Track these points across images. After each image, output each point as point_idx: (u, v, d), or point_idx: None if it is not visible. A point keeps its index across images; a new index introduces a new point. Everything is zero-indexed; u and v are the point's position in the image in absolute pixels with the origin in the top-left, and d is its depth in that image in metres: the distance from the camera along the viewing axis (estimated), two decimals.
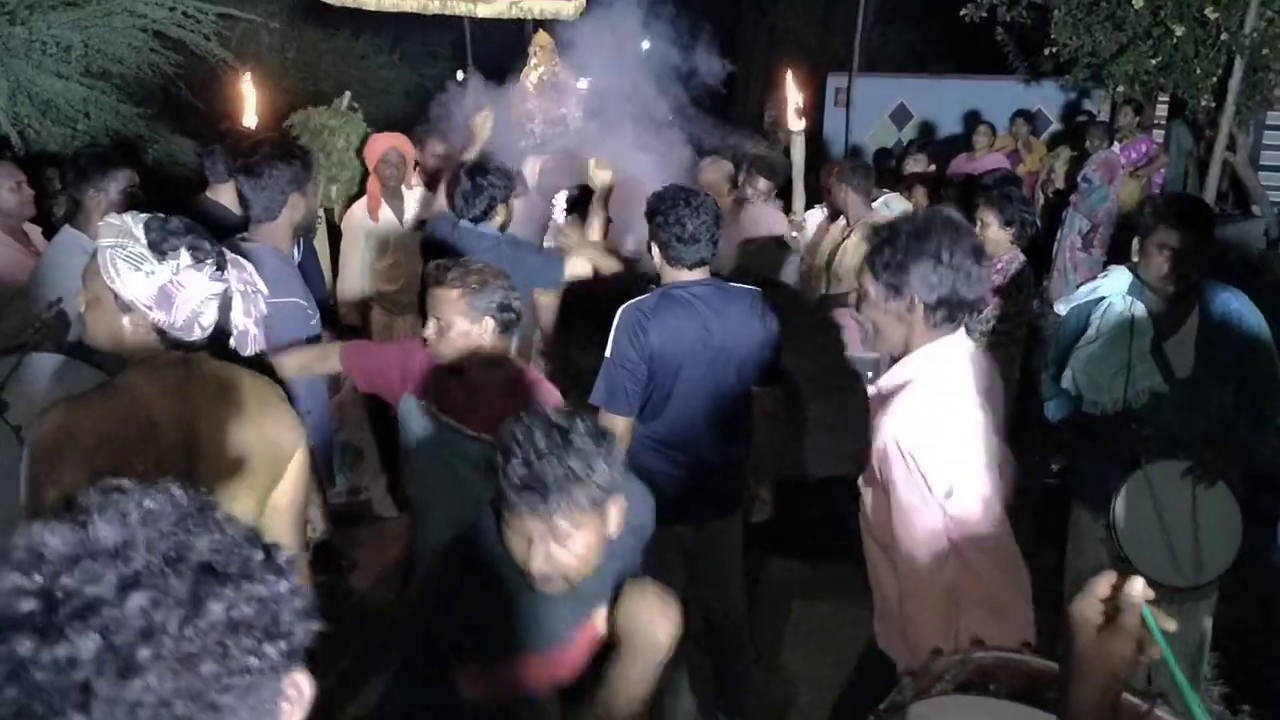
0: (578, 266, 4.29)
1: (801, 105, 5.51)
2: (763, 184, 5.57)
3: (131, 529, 0.85)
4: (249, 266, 2.32)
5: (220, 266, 2.13)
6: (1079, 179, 8.36)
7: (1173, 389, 3.17)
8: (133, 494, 0.88)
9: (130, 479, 1.95)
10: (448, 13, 6.73)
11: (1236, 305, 3.19)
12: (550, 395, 2.89)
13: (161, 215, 2.10)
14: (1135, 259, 3.26)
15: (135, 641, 0.80)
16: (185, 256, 2.04)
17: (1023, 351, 4.40)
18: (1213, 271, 3.31)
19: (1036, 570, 3.56)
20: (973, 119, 9.92)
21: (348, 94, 7.01)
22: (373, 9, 6.77)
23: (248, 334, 2.30)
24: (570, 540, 1.82)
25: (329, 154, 6.45)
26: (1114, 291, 3.34)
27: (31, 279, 3.55)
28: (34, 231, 4.33)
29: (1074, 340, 3.40)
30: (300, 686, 0.92)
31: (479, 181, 4.23)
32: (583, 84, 7.18)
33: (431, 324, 2.80)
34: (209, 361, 2.22)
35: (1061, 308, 3.57)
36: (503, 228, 4.35)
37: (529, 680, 2.00)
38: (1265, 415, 3.17)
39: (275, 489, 2.29)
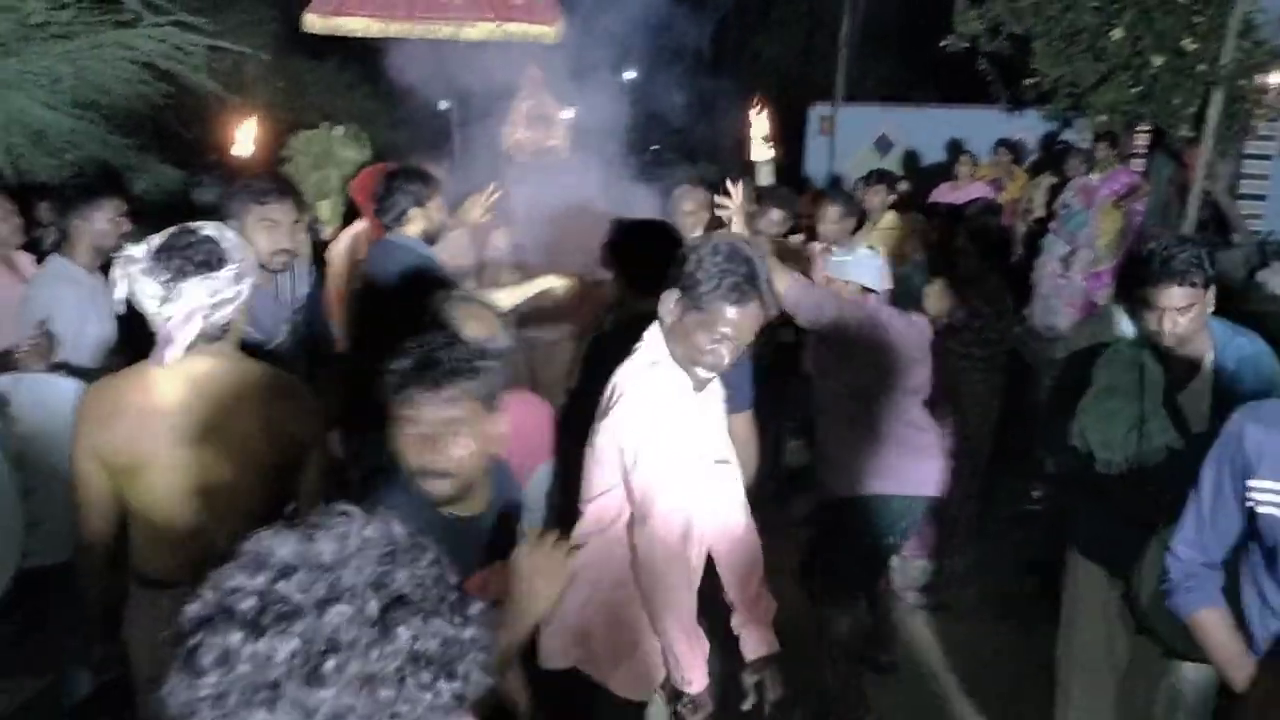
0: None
1: (769, 133, 5.57)
2: (776, 215, 5.41)
3: (348, 551, 0.90)
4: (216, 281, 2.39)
5: (210, 272, 2.34)
6: (1058, 205, 8.47)
7: (1188, 444, 2.91)
8: (356, 519, 0.94)
9: (131, 445, 2.12)
10: (431, 37, 6.79)
11: (1252, 350, 2.96)
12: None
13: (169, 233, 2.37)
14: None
15: (325, 652, 0.85)
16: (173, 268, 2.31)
17: (1004, 379, 4.44)
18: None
19: (1018, 596, 3.61)
20: (955, 148, 10.02)
21: (353, 127, 7.06)
22: (360, 35, 6.83)
23: (170, 343, 2.36)
24: (455, 427, 1.98)
25: (328, 178, 6.48)
26: (1117, 338, 3.14)
27: (20, 304, 3.59)
28: (24, 260, 4.36)
29: (1077, 390, 3.15)
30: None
31: (390, 184, 3.96)
32: (568, 114, 7.27)
33: None
34: (229, 356, 2.46)
35: (1060, 350, 3.42)
36: (429, 238, 4.00)
37: None
38: None
39: (296, 476, 2.51)
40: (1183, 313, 2.80)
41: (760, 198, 5.52)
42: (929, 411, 3.87)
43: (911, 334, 3.75)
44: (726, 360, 2.49)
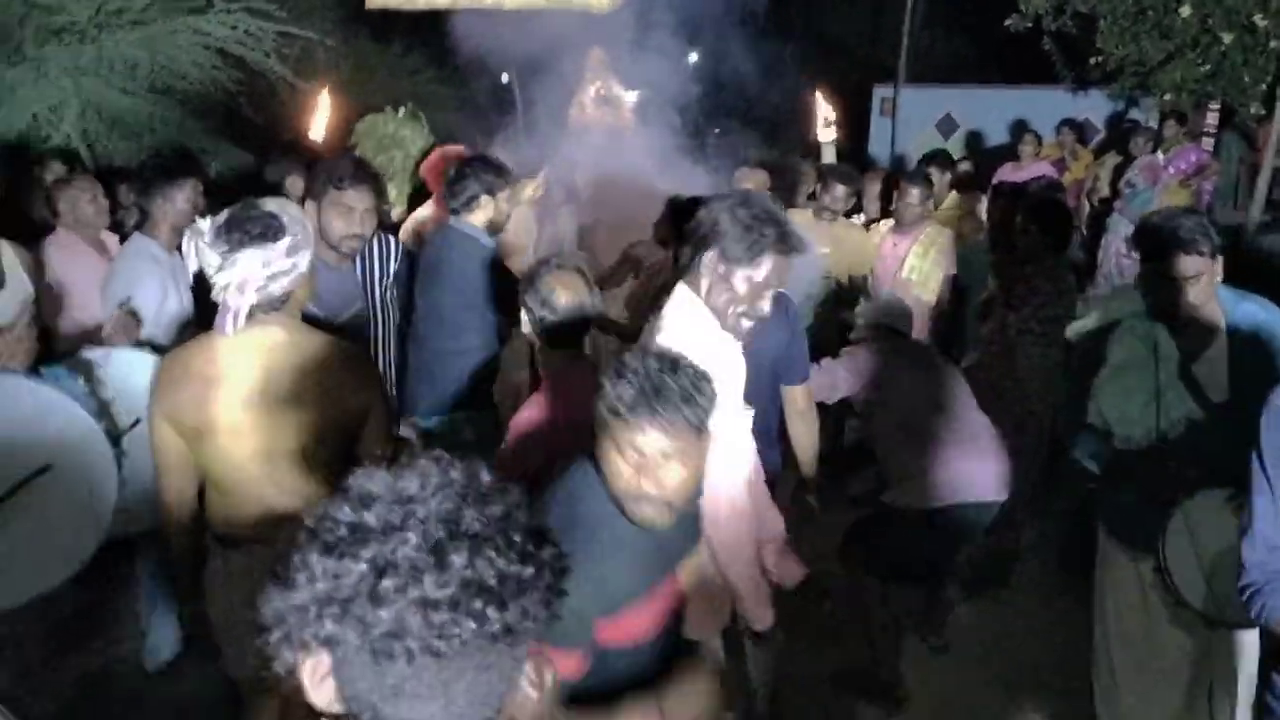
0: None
1: (831, 116, 5.61)
2: (840, 190, 5.41)
3: (428, 488, 1.00)
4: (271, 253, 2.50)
5: (266, 244, 2.44)
6: (1122, 184, 8.36)
7: (1208, 414, 2.90)
8: (443, 462, 1.04)
9: (198, 411, 2.34)
10: (493, 8, 6.89)
11: (1264, 316, 2.93)
12: None
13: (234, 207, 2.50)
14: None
15: (384, 574, 0.95)
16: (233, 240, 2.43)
17: (1064, 355, 4.43)
18: (1262, 279, 3.02)
19: (1077, 573, 3.60)
20: (1019, 128, 9.92)
21: (410, 105, 7.18)
22: (422, 9, 6.94)
23: (229, 311, 2.48)
24: (678, 458, 1.91)
25: (393, 160, 6.62)
26: (1128, 313, 3.12)
27: (105, 282, 3.76)
28: (111, 240, 4.56)
29: (1092, 370, 3.16)
30: (543, 675, 1.10)
31: (462, 170, 3.97)
32: (632, 97, 7.35)
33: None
34: (289, 327, 2.56)
35: (1070, 333, 3.41)
36: (493, 229, 4.01)
37: (628, 631, 2.07)
38: None
39: (357, 444, 2.60)
40: (1192, 282, 2.80)
41: (823, 175, 5.58)
42: (985, 408, 3.91)
43: (924, 357, 3.90)
44: (767, 309, 2.61)
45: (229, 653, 2.70)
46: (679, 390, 1.88)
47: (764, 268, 2.60)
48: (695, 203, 3.62)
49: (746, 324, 2.65)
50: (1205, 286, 2.84)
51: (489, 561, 0.98)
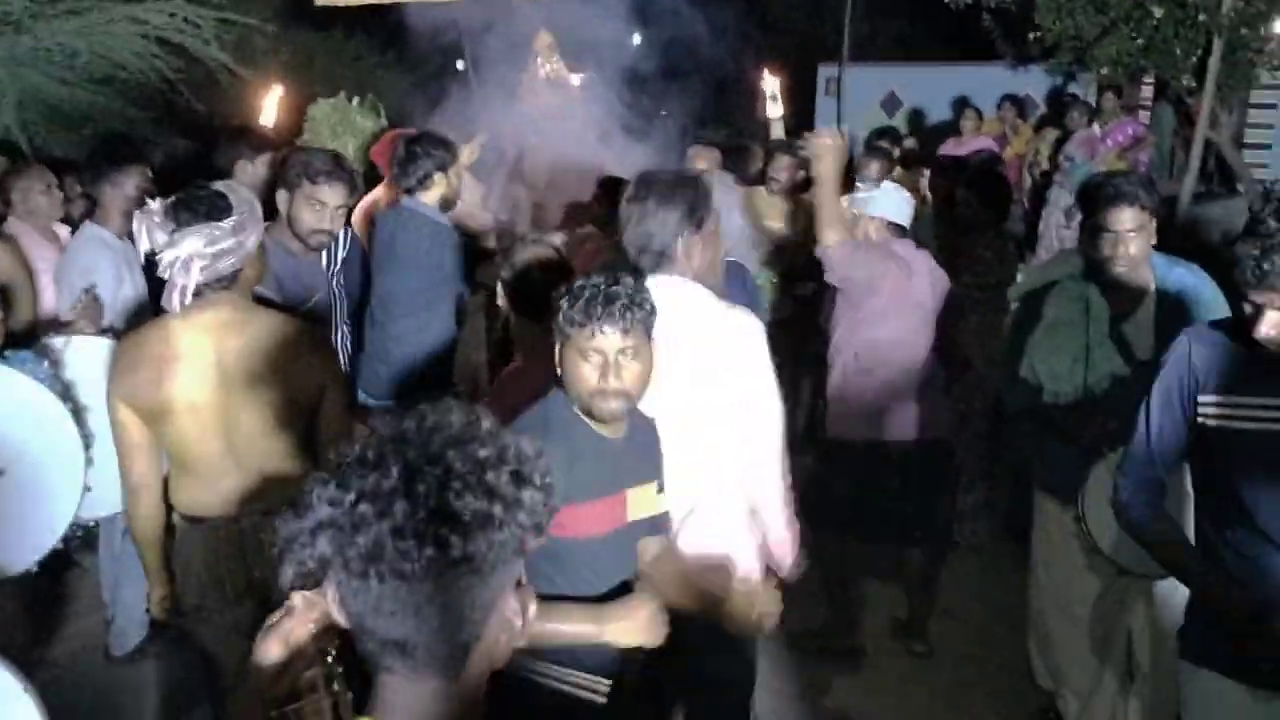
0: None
1: (777, 92, 5.69)
2: (785, 162, 5.48)
3: (421, 429, 1.10)
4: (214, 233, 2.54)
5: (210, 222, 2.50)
6: (1061, 157, 8.55)
7: (1133, 372, 3.03)
8: (439, 408, 1.13)
9: (155, 390, 2.38)
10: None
11: (1192, 280, 3.09)
12: None
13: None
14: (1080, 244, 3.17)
15: (360, 502, 1.05)
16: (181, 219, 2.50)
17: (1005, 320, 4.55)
18: (1196, 249, 3.22)
19: (1025, 534, 3.71)
20: (961, 105, 10.08)
21: (371, 97, 7.13)
22: (355, 5, 6.89)
23: (175, 288, 2.52)
24: (630, 355, 2.19)
25: (346, 147, 6.58)
26: (1065, 275, 3.25)
27: (58, 270, 3.75)
28: (64, 231, 4.51)
29: (1027, 329, 3.29)
30: (527, 607, 1.16)
31: (412, 149, 3.94)
32: (578, 79, 7.38)
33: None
34: (239, 305, 2.62)
35: (1011, 293, 3.51)
36: (446, 205, 4.01)
37: (575, 525, 2.25)
38: None
39: (315, 417, 2.67)
40: (1134, 235, 2.96)
41: (769, 151, 5.67)
42: (938, 356, 3.97)
43: (935, 279, 3.87)
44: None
45: (201, 630, 2.73)
46: (625, 296, 2.16)
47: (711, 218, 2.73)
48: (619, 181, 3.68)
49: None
50: (1142, 242, 2.99)
51: (457, 494, 1.05)
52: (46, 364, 2.90)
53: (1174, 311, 3.03)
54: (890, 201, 3.91)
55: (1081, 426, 3.09)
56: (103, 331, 3.42)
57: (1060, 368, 3.14)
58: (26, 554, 2.77)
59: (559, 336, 2.25)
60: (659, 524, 2.48)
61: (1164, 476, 2.41)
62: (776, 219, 5.32)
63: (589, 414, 2.26)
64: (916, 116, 11.92)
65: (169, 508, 2.70)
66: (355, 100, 6.89)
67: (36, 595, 4.17)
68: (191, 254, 2.47)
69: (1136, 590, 3.12)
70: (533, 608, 1.16)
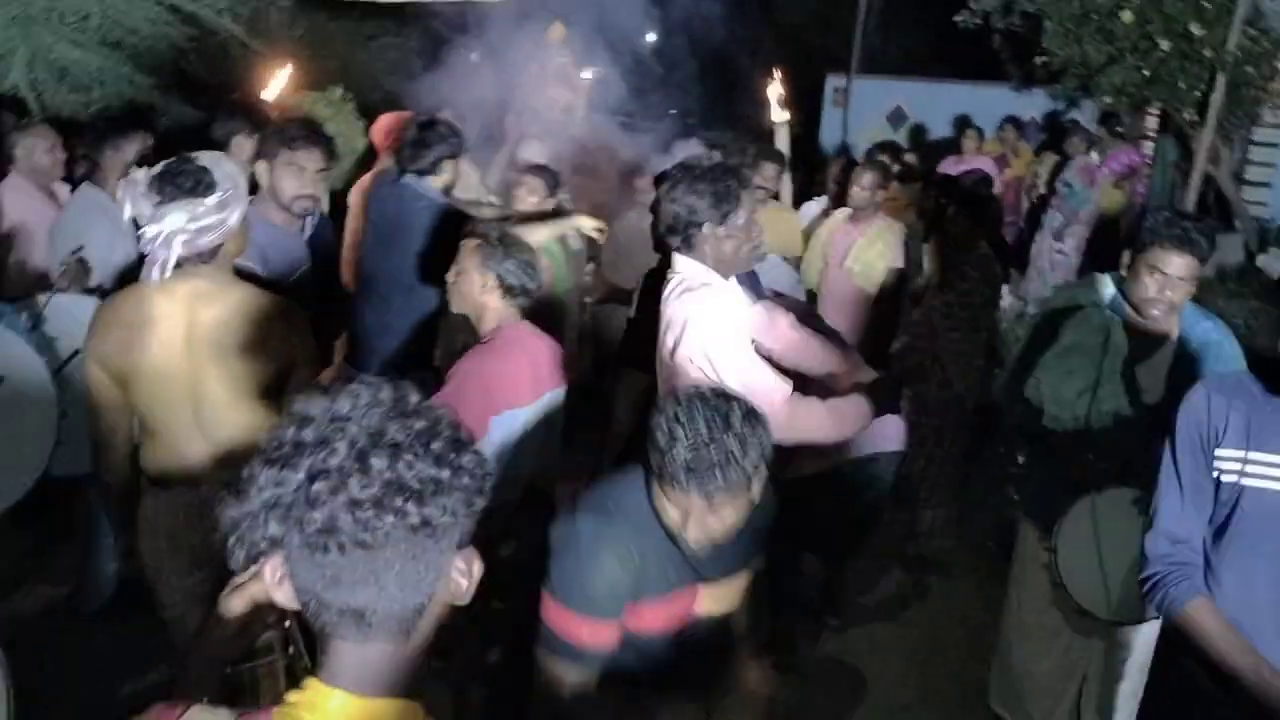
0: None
1: (784, 96, 5.71)
2: (770, 170, 5.46)
3: (357, 407, 1.15)
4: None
5: (195, 198, 2.54)
6: (1058, 183, 8.60)
7: (1137, 414, 2.98)
8: (373, 386, 1.19)
9: (127, 355, 2.43)
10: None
11: (1217, 337, 3.00)
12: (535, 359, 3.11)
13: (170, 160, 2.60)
14: (1124, 273, 3.02)
15: (316, 480, 1.11)
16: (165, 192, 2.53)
17: (986, 340, 4.60)
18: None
19: (993, 552, 3.74)
20: (964, 124, 10.12)
21: (340, 88, 7.20)
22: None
23: (155, 261, 2.57)
24: (723, 512, 2.10)
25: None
26: (1093, 302, 3.14)
27: (53, 230, 3.80)
28: (64, 190, 4.57)
29: (1041, 346, 3.20)
30: (472, 566, 1.22)
31: (426, 134, 3.98)
32: (589, 74, 7.42)
33: (451, 270, 3.08)
34: (217, 278, 2.67)
35: (1033, 307, 3.47)
36: (447, 190, 4.09)
37: (644, 622, 2.25)
38: None
39: (283, 392, 2.68)
40: (1183, 283, 2.86)
41: (755, 155, 5.64)
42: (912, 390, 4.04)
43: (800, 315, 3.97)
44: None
45: (158, 592, 2.79)
46: (728, 455, 2.03)
47: (744, 207, 2.83)
48: None
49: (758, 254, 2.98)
50: (1184, 291, 2.89)
51: (408, 465, 1.12)
52: (24, 316, 2.94)
53: (1192, 362, 2.96)
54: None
55: (1074, 458, 3.06)
56: (91, 292, 3.47)
57: (1066, 393, 3.08)
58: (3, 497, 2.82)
59: (650, 461, 2.13)
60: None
61: (1199, 541, 2.27)
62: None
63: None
64: (920, 132, 11.97)
65: (136, 466, 2.75)
66: (330, 91, 6.96)
67: (12, 552, 4.24)
68: (174, 229, 2.52)
69: (1103, 631, 3.13)
70: (477, 566, 1.22)
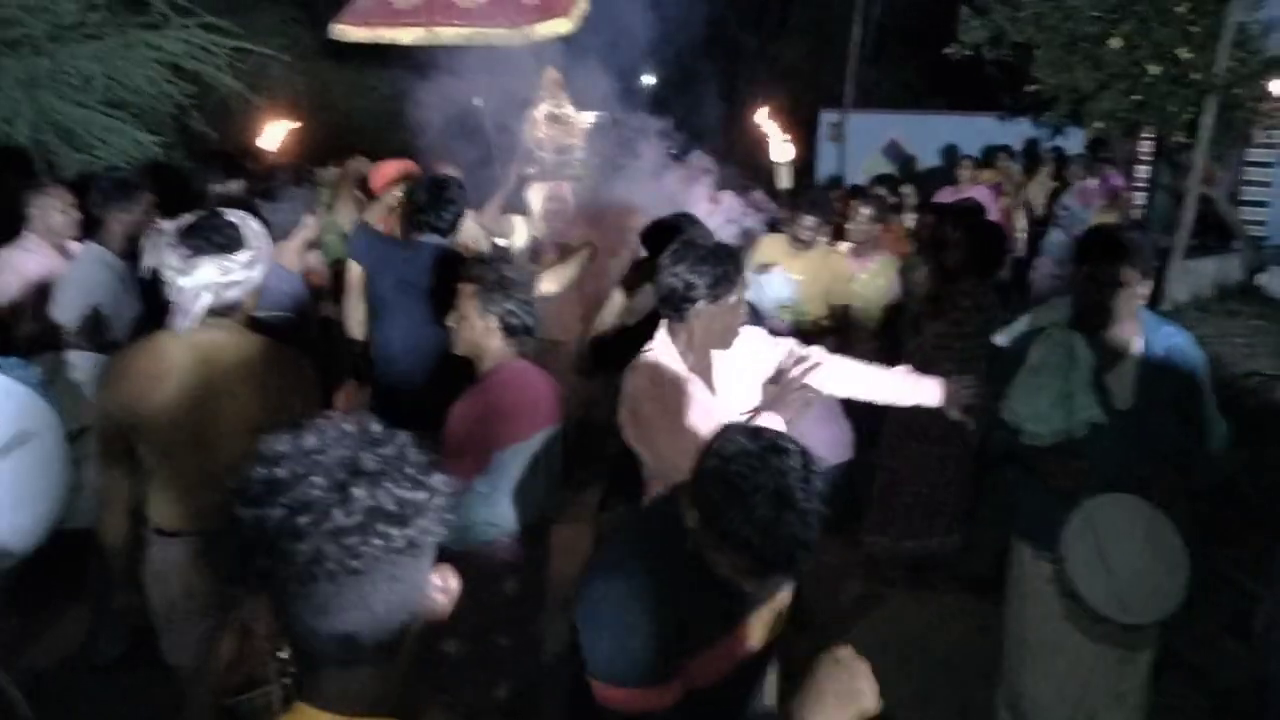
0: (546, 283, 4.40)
1: (785, 136, 5.77)
2: (809, 221, 5.26)
3: (325, 441, 1.19)
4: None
5: (226, 254, 2.63)
6: (1057, 208, 8.67)
7: (1112, 421, 3.10)
8: (337, 418, 1.23)
9: (143, 405, 2.51)
10: (453, 43, 7.01)
11: (1180, 341, 3.16)
12: (534, 399, 3.14)
13: (199, 214, 2.69)
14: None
15: (298, 513, 1.14)
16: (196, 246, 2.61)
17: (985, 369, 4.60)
18: (1191, 301, 3.23)
19: (1000, 579, 3.74)
20: (956, 154, 10.22)
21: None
22: (387, 43, 7.04)
23: (184, 313, 2.65)
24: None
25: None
26: (1053, 322, 3.27)
27: (58, 286, 3.87)
28: (75, 248, 4.61)
29: (1011, 372, 3.29)
30: (448, 581, 1.27)
31: (442, 194, 4.12)
32: (588, 118, 7.51)
33: (451, 315, 3.13)
34: (233, 330, 2.73)
35: (1001, 339, 3.46)
36: None
37: (721, 667, 2.10)
38: (1201, 450, 3.16)
39: None
40: (1122, 290, 3.02)
41: (793, 205, 5.55)
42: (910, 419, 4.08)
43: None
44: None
45: (166, 641, 2.82)
46: (794, 535, 1.81)
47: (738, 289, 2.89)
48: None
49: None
50: (1129, 298, 3.05)
51: (387, 491, 1.17)
52: (35, 370, 2.98)
53: (1157, 367, 3.11)
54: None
55: (1057, 471, 3.14)
56: (103, 347, 3.54)
57: (1041, 407, 3.18)
58: (14, 548, 2.83)
59: (699, 516, 1.90)
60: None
61: None
62: (793, 269, 5.33)
63: None
64: (916, 164, 12.07)
65: (142, 519, 2.79)
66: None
67: (22, 607, 4.26)
68: (205, 283, 2.60)
69: (1109, 643, 3.14)
70: (453, 582, 1.26)
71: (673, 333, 2.94)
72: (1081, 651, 3.24)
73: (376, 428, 1.24)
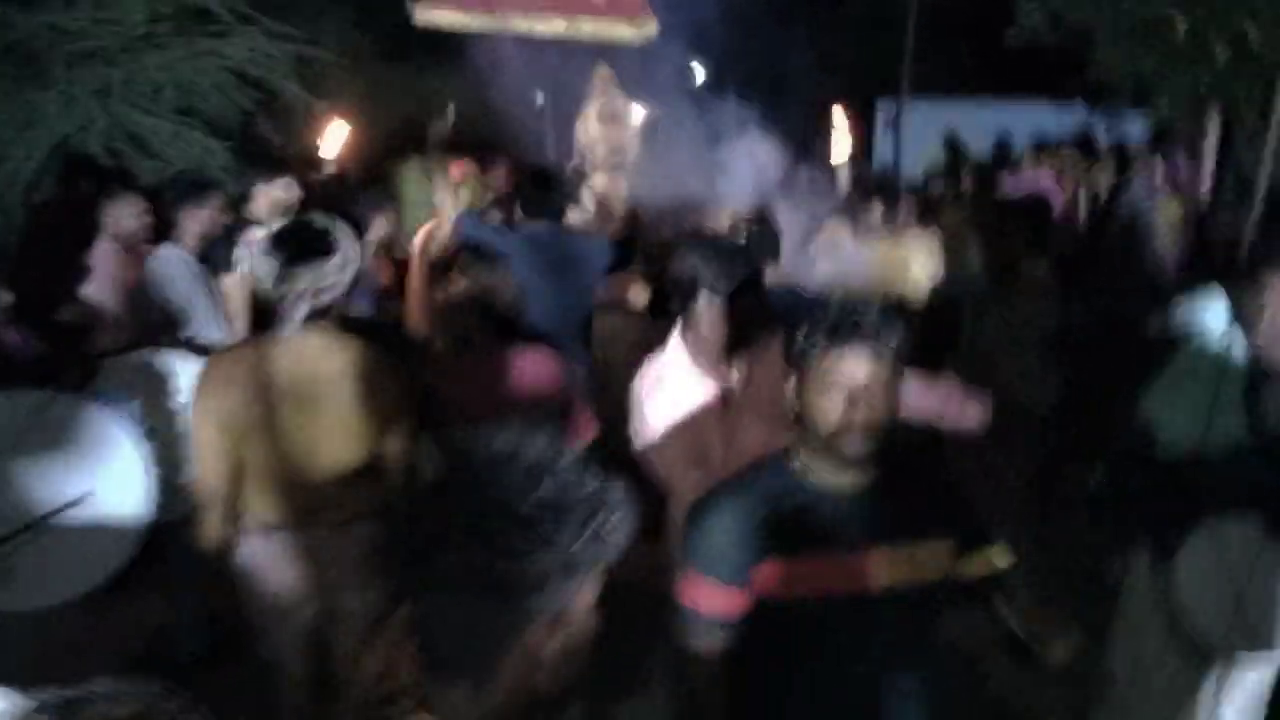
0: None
1: (844, 133, 5.76)
2: (877, 210, 5.50)
3: (513, 451, 1.25)
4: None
5: (320, 260, 2.71)
6: (1121, 198, 8.51)
7: (1256, 441, 2.82)
8: (525, 433, 1.28)
9: (247, 409, 2.65)
10: (509, 32, 7.08)
11: None
12: None
13: (291, 220, 2.86)
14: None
15: (486, 513, 1.20)
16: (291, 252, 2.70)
17: (1039, 359, 4.46)
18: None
19: (1075, 576, 3.62)
20: (1018, 141, 10.07)
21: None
22: (454, 30, 7.12)
23: (287, 318, 2.76)
24: (880, 386, 2.01)
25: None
26: (1206, 324, 2.96)
27: (140, 287, 4.01)
28: (152, 252, 4.77)
29: (1155, 371, 3.07)
30: (585, 598, 1.31)
31: (551, 182, 4.53)
32: (640, 114, 7.55)
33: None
34: (331, 333, 2.81)
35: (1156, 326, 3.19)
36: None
37: (830, 582, 2.10)
38: None
39: (386, 442, 2.85)
40: None
41: (861, 195, 5.69)
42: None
43: None
44: None
45: (268, 637, 2.90)
46: (874, 322, 2.01)
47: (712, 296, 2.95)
48: None
49: None
50: None
51: (543, 500, 1.23)
52: (130, 397, 3.08)
53: None
54: None
55: (1192, 487, 2.88)
56: (179, 343, 3.67)
57: (1180, 419, 2.91)
58: (86, 581, 2.90)
59: (798, 371, 2.07)
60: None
61: None
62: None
63: (828, 455, 2.08)
64: (976, 151, 11.90)
65: (235, 519, 2.88)
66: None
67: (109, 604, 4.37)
68: (303, 289, 2.68)
69: (1211, 670, 2.96)
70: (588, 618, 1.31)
71: (683, 331, 2.99)
72: (1183, 673, 3.00)
73: (561, 444, 1.29)
